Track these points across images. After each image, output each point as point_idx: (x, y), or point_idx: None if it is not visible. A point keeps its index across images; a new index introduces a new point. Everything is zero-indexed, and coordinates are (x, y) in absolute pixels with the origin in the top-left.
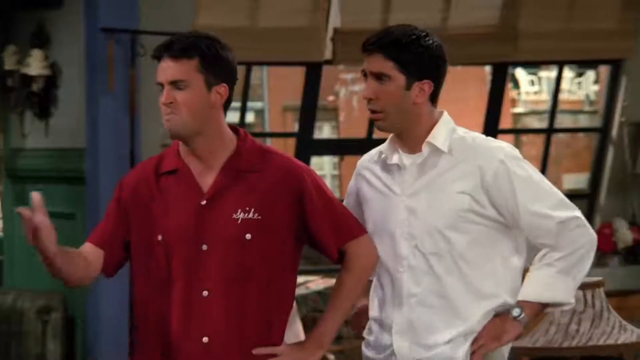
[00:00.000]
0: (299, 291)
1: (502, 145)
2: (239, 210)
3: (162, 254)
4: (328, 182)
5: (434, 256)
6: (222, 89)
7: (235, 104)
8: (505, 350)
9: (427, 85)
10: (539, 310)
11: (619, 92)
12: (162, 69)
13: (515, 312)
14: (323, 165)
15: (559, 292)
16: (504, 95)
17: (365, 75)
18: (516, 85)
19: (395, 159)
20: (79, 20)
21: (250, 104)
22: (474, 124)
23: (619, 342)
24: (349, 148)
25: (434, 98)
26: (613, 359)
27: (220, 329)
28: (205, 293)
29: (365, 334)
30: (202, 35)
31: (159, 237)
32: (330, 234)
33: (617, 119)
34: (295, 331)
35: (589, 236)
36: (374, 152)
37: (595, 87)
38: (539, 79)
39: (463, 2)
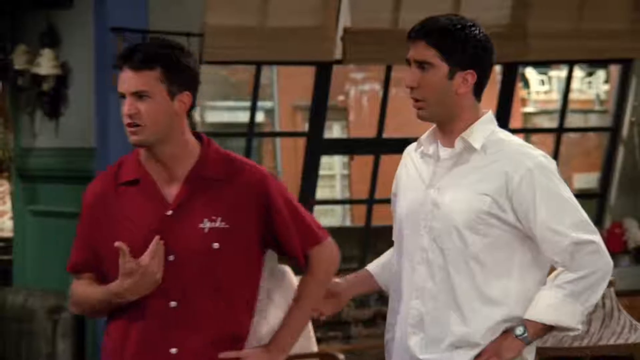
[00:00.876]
0: None
1: (536, 154)
2: (205, 220)
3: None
4: (338, 182)
5: (449, 253)
6: (185, 97)
7: (245, 103)
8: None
9: (470, 76)
10: (544, 332)
11: (630, 91)
12: (122, 79)
13: (519, 330)
14: (333, 165)
15: (564, 316)
16: (514, 95)
17: (409, 63)
18: (526, 84)
19: (431, 149)
20: (88, 19)
21: (260, 103)
22: None
23: (630, 341)
24: (359, 148)
25: (478, 91)
26: (623, 359)
27: (189, 339)
28: (173, 304)
29: (386, 331)
30: (164, 44)
31: (129, 248)
32: (297, 240)
33: (627, 118)
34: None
35: (604, 263)
36: (415, 142)
37: (606, 87)
38: (549, 78)
39: (473, 2)
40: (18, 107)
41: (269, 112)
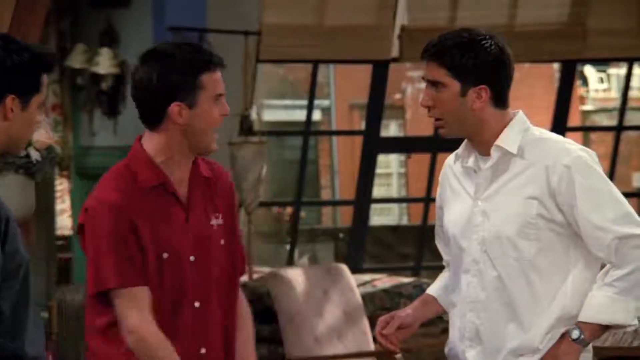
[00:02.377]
0: (366, 289)
1: (572, 149)
2: (212, 217)
3: (167, 270)
4: (395, 180)
5: (501, 262)
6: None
7: (302, 101)
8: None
9: (483, 91)
10: (600, 332)
11: None
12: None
13: (574, 334)
14: (390, 164)
15: (618, 314)
16: (573, 93)
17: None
18: (585, 82)
19: (471, 161)
20: (147, 19)
21: (316, 101)
22: (541, 122)
23: None
24: (415, 146)
25: (499, 102)
26: None
27: (214, 339)
28: (197, 304)
29: (446, 345)
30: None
31: (165, 255)
32: (241, 255)
33: None
34: None
35: None
36: (452, 155)
37: None
38: (608, 76)
39: (531, 0)
40: (77, 106)
41: (326, 111)
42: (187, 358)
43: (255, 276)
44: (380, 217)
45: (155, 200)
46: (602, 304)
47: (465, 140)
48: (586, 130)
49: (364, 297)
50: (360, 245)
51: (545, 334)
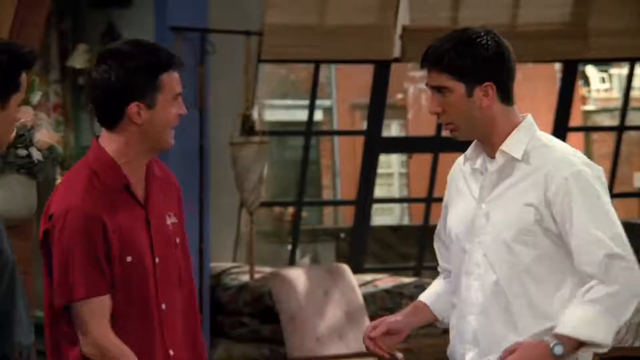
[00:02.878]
0: (367, 289)
1: (575, 162)
2: (167, 216)
3: (133, 273)
4: (396, 180)
5: (499, 267)
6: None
7: (304, 101)
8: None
9: (489, 88)
10: (575, 348)
11: None
12: None
13: (557, 349)
14: (391, 164)
15: (600, 332)
16: (574, 93)
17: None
18: (586, 82)
19: (478, 163)
20: (148, 19)
21: (318, 101)
22: (543, 122)
23: None
24: (417, 146)
25: (505, 97)
26: None
27: (181, 339)
28: (163, 306)
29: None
30: None
31: (128, 259)
32: (185, 249)
33: None
34: None
35: (636, 282)
36: (462, 156)
37: None
38: (610, 76)
39: (533, 0)
40: (78, 106)
41: (327, 111)
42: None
43: (256, 276)
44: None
45: (118, 203)
46: (585, 319)
47: (474, 142)
48: (588, 130)
49: (366, 297)
50: (361, 246)
51: (537, 337)
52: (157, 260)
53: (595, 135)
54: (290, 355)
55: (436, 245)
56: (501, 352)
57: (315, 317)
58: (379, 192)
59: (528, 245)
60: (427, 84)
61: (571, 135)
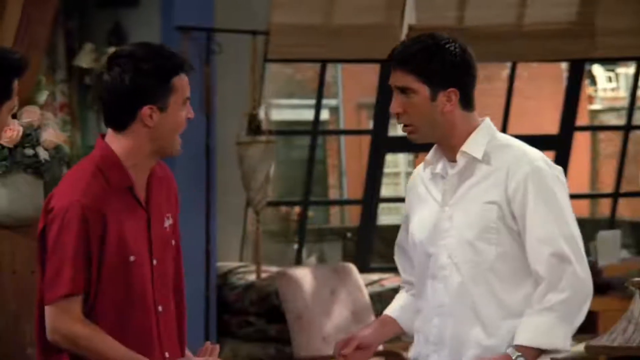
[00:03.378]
0: (373, 289)
1: (533, 158)
2: (165, 218)
3: (134, 274)
4: (403, 180)
5: (465, 267)
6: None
7: (310, 101)
8: None
9: (453, 94)
10: (536, 357)
11: None
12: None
13: None
14: (398, 163)
15: (558, 339)
16: (581, 92)
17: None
18: (593, 81)
19: (439, 167)
20: (155, 18)
21: (324, 101)
22: (550, 121)
23: None
24: (423, 145)
25: (466, 104)
26: None
27: (174, 343)
28: (160, 308)
29: (410, 350)
30: None
31: (131, 258)
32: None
33: None
34: None
35: (584, 287)
36: (422, 163)
37: None
38: (617, 75)
39: None
40: (85, 105)
41: (334, 110)
42: (149, 347)
43: (263, 275)
44: (388, 216)
45: (121, 202)
46: (541, 328)
47: (434, 147)
48: (594, 130)
49: (372, 296)
50: (368, 245)
51: (508, 335)
52: (154, 262)
53: (601, 135)
54: (297, 355)
55: (397, 258)
56: (472, 351)
57: (322, 317)
58: (385, 191)
59: (491, 243)
60: (390, 83)
61: (578, 135)
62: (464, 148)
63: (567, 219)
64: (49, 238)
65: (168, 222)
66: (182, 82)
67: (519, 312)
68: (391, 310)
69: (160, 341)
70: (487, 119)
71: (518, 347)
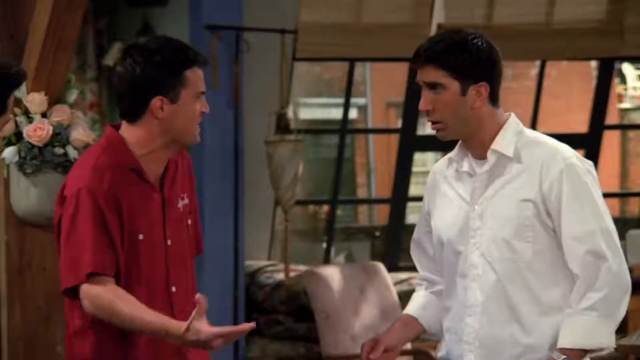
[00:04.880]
0: (402, 287)
1: (567, 156)
2: (179, 199)
3: (143, 252)
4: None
5: (500, 265)
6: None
7: (338, 100)
8: None
9: (483, 88)
10: (581, 357)
11: None
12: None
13: None
14: (426, 162)
15: (602, 337)
16: (611, 91)
17: (421, 86)
18: (623, 80)
19: (465, 166)
20: (183, 17)
21: (353, 100)
22: (579, 120)
23: None
24: (451, 144)
25: (494, 99)
26: None
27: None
28: (173, 289)
29: (438, 349)
30: None
31: (140, 236)
32: (197, 235)
33: None
34: None
35: (621, 282)
36: (444, 160)
37: None
38: None
39: None
40: (114, 104)
41: (362, 109)
42: (166, 344)
43: (291, 274)
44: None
45: (132, 184)
46: (585, 329)
47: (459, 144)
48: (624, 129)
49: (400, 295)
50: (396, 244)
51: (552, 339)
52: (169, 242)
53: (631, 134)
54: (325, 353)
55: (414, 253)
56: (510, 350)
57: (350, 315)
58: (413, 190)
59: (528, 241)
60: (419, 80)
61: (607, 133)
62: (494, 146)
63: (602, 214)
64: (64, 225)
65: (182, 203)
66: (195, 75)
67: (556, 308)
68: (412, 309)
69: (175, 319)
70: (513, 115)
71: (563, 350)
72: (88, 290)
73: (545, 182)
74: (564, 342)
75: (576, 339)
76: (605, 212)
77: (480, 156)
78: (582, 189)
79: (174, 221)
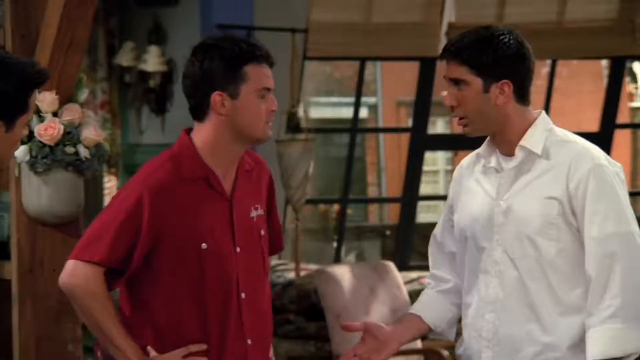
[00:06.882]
0: (412, 287)
1: (596, 156)
2: (252, 209)
3: (207, 261)
4: (442, 178)
5: (522, 262)
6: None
7: (349, 99)
8: None
9: (506, 86)
10: None
11: None
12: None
13: None
14: (437, 161)
15: (630, 343)
16: (622, 90)
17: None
18: (634, 79)
19: (493, 161)
20: (194, 17)
21: (363, 99)
22: (590, 119)
23: None
24: (462, 143)
25: (522, 97)
26: None
27: (259, 329)
28: (243, 295)
29: (457, 345)
30: None
31: (203, 245)
32: (279, 240)
33: None
34: None
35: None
36: (472, 155)
37: None
38: None
39: None
40: (125, 103)
41: (373, 108)
42: (235, 350)
43: (302, 273)
44: (427, 214)
45: (197, 192)
46: (612, 338)
47: (487, 140)
48: (635, 128)
49: (411, 294)
50: (407, 243)
51: (571, 339)
52: (238, 249)
53: None
54: (336, 352)
55: (431, 248)
56: (529, 348)
57: (361, 314)
58: (424, 189)
59: (552, 239)
60: (445, 76)
61: (618, 132)
62: (523, 142)
63: (628, 217)
64: (109, 202)
65: (256, 213)
66: (257, 71)
67: (576, 309)
68: (415, 308)
69: (242, 328)
70: (543, 113)
71: None
72: (80, 269)
73: (572, 181)
74: (593, 354)
75: (604, 349)
76: (631, 215)
77: (508, 152)
78: (608, 190)
79: (243, 230)
